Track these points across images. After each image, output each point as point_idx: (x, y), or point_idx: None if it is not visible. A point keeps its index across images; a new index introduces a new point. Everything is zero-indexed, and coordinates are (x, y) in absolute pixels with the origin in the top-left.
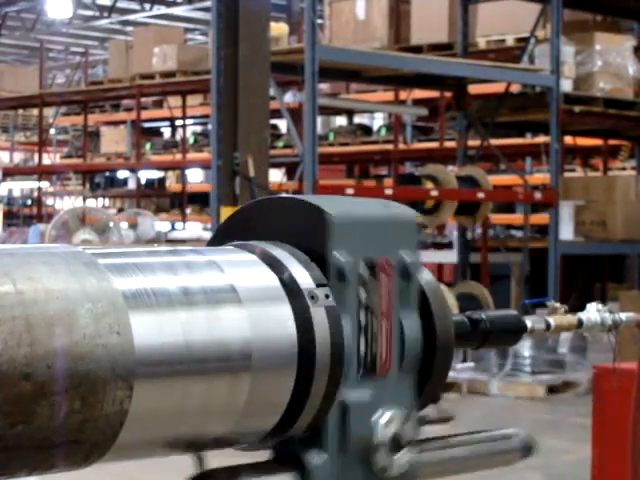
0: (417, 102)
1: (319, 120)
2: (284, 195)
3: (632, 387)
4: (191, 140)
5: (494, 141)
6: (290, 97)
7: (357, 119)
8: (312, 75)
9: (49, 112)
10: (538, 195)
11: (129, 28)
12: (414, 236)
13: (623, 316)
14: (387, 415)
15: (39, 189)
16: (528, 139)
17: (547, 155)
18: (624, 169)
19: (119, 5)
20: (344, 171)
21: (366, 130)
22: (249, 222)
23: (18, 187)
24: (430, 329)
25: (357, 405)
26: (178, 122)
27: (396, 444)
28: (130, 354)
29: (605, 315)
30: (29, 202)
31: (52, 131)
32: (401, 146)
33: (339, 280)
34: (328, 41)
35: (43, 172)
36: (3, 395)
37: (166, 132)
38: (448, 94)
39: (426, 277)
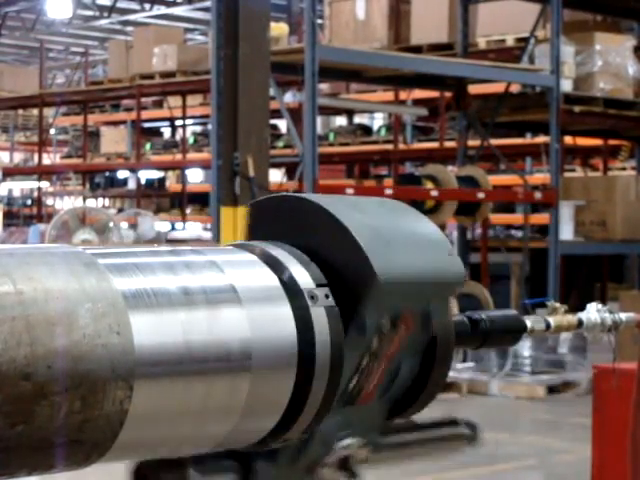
0: (417, 102)
1: (319, 120)
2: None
3: (632, 387)
4: (191, 140)
5: (494, 141)
6: (290, 97)
7: (357, 119)
8: (312, 75)
9: (49, 112)
10: (538, 195)
11: (129, 28)
12: (450, 293)
13: (623, 316)
14: (346, 441)
15: (39, 189)
16: (528, 139)
17: (547, 155)
18: (624, 169)
19: (119, 5)
20: (344, 171)
21: (366, 130)
22: None
23: (18, 187)
24: (430, 329)
25: (323, 431)
26: (178, 122)
27: (345, 465)
28: (130, 354)
29: (605, 315)
30: (29, 202)
31: (52, 131)
32: (401, 146)
33: (358, 333)
34: (328, 41)
35: (43, 172)
36: (3, 395)
37: (166, 132)
38: (448, 94)
39: None
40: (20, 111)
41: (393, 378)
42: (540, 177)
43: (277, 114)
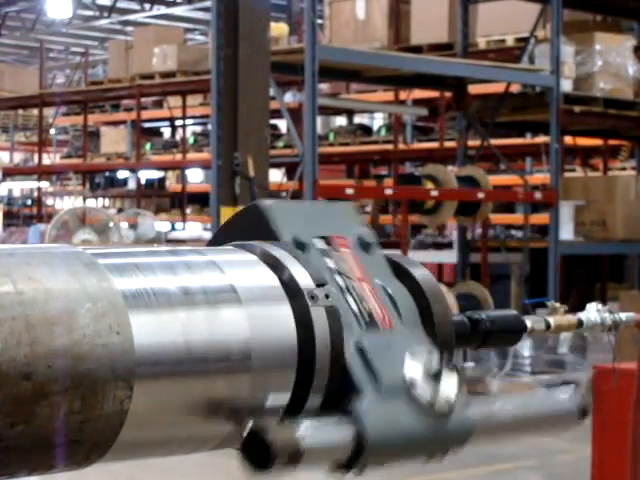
0: (417, 102)
1: (319, 120)
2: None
3: (632, 387)
4: (191, 140)
5: (494, 141)
6: (290, 97)
7: (357, 119)
8: (312, 75)
9: (49, 112)
10: (538, 195)
11: (129, 28)
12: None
13: (623, 316)
14: (410, 351)
15: (39, 189)
16: (528, 139)
17: (547, 155)
18: (624, 169)
19: (119, 5)
20: (344, 171)
21: (366, 130)
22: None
23: (18, 187)
24: (430, 329)
25: (374, 347)
26: (178, 122)
27: (429, 373)
28: (130, 354)
29: (605, 315)
30: (29, 202)
31: (52, 131)
32: (401, 146)
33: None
34: (328, 41)
35: (43, 172)
36: (3, 395)
37: (166, 132)
38: (448, 94)
39: (425, 276)
40: (20, 111)
41: (393, 303)
42: (540, 177)
43: (277, 114)
